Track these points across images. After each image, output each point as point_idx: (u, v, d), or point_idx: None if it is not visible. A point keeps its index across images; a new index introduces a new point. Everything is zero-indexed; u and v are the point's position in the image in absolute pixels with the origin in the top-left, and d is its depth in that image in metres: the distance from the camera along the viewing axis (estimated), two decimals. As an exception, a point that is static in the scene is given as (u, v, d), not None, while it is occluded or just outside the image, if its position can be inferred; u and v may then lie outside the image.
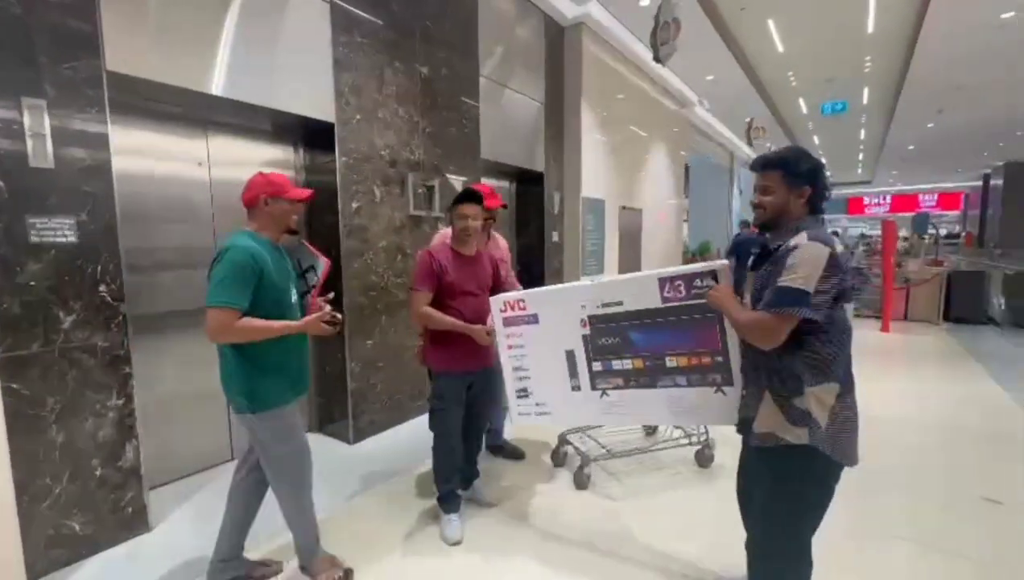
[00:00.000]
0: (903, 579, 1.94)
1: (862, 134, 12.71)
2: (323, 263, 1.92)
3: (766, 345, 1.27)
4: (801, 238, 1.27)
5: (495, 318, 1.87)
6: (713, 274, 1.44)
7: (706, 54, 6.21)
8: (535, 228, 5.06)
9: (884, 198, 26.31)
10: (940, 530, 2.24)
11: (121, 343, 2.08)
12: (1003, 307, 7.36)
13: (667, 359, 1.56)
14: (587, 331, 1.66)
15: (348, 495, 2.56)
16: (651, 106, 7.13)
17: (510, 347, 1.84)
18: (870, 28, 5.91)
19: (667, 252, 8.34)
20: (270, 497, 1.84)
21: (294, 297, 1.78)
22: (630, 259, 6.70)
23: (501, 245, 2.80)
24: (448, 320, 2.04)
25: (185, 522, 2.29)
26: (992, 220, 16.52)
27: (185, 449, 2.70)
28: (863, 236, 19.01)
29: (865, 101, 9.38)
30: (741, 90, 7.97)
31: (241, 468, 1.85)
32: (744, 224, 8.57)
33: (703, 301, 1.44)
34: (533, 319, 1.78)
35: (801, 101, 9.30)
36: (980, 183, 18.87)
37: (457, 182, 3.86)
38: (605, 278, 1.65)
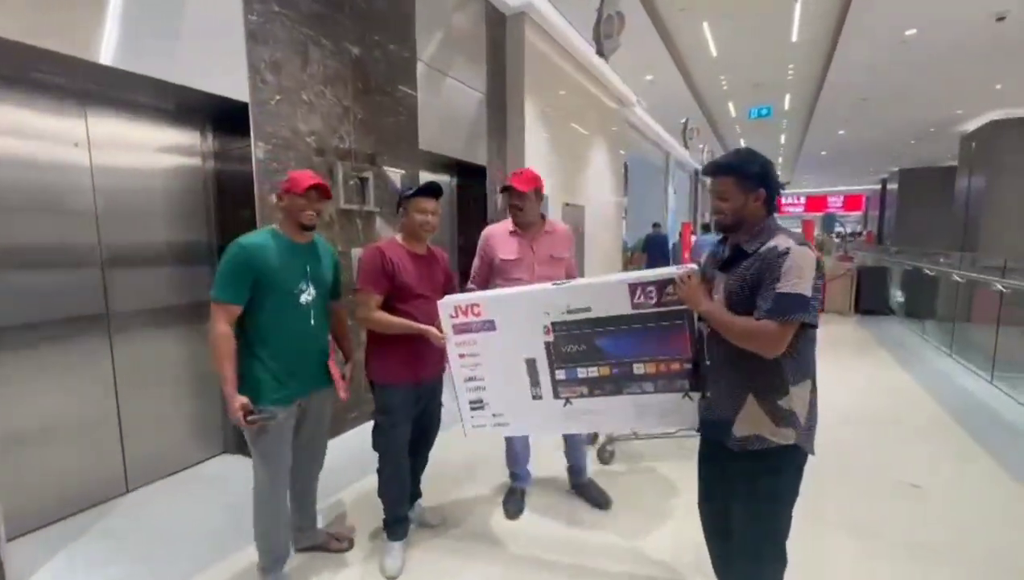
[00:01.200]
0: (837, 565, 1.97)
1: (783, 139, 13.62)
2: None
3: (769, 353, 1.24)
4: (787, 242, 1.25)
5: (444, 324, 1.67)
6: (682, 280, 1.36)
7: (646, 53, 6.30)
8: (477, 225, 4.86)
9: (799, 198, 28.53)
10: (868, 516, 2.32)
11: (-37, 365, 1.67)
12: (900, 299, 8.15)
13: (635, 366, 1.48)
14: (550, 338, 1.53)
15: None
16: (592, 104, 7.14)
17: (462, 356, 1.66)
18: (794, 37, 6.24)
19: (608, 249, 8.45)
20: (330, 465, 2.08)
21: (305, 298, 1.78)
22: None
23: (560, 231, 2.30)
24: (402, 322, 1.83)
25: (55, 577, 1.90)
26: (889, 220, 18.37)
27: (61, 486, 2.27)
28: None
29: (787, 107, 10.00)
30: (677, 91, 8.20)
31: None
32: (655, 225, 9.27)
33: (675, 308, 1.38)
34: (489, 326, 1.60)
35: (731, 105, 9.76)
36: (879, 187, 20.94)
37: (395, 175, 3.59)
38: (569, 282, 1.53)
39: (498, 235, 2.28)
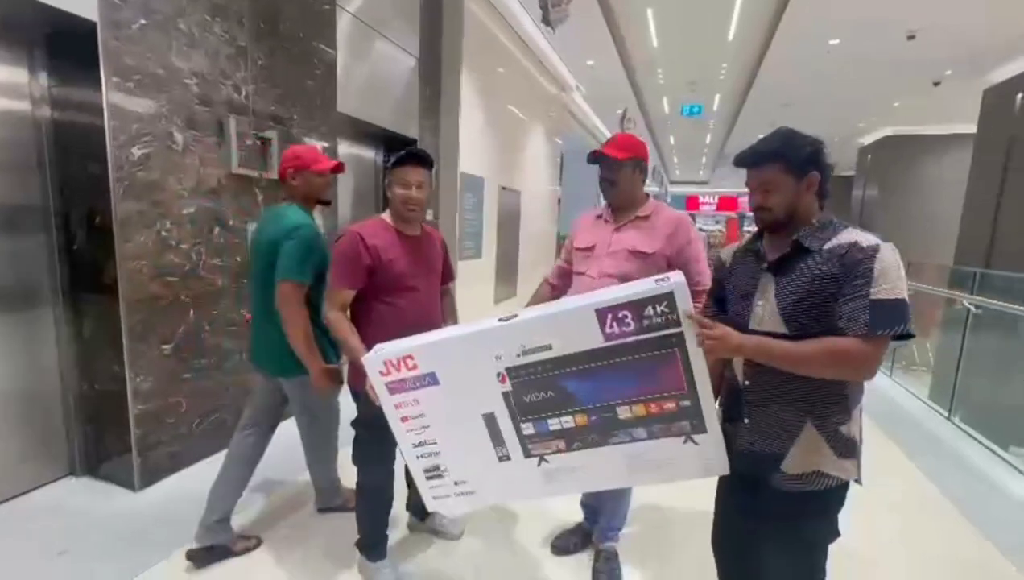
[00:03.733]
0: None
1: (708, 138, 14.21)
2: None
3: (863, 377, 1.03)
4: (869, 237, 1.04)
5: (375, 384, 1.25)
6: (670, 297, 1.03)
7: (589, 36, 6.07)
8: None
9: (713, 198, 30.38)
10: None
11: None
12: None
13: (619, 410, 1.15)
14: (507, 387, 1.17)
15: (137, 572, 1.77)
16: (530, 85, 6.83)
17: (404, 419, 1.27)
18: (731, 35, 6.32)
19: (544, 238, 8.28)
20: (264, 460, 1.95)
21: None
22: (508, 243, 6.40)
23: (663, 218, 1.70)
24: (354, 349, 1.51)
25: None
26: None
27: None
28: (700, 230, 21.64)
29: (715, 107, 10.35)
30: (616, 80, 8.13)
31: (244, 428, 1.91)
32: None
33: (661, 333, 1.05)
34: (430, 380, 1.21)
35: (665, 100, 9.91)
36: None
37: (318, 146, 3.05)
38: (521, 315, 1.16)
39: (585, 217, 1.88)
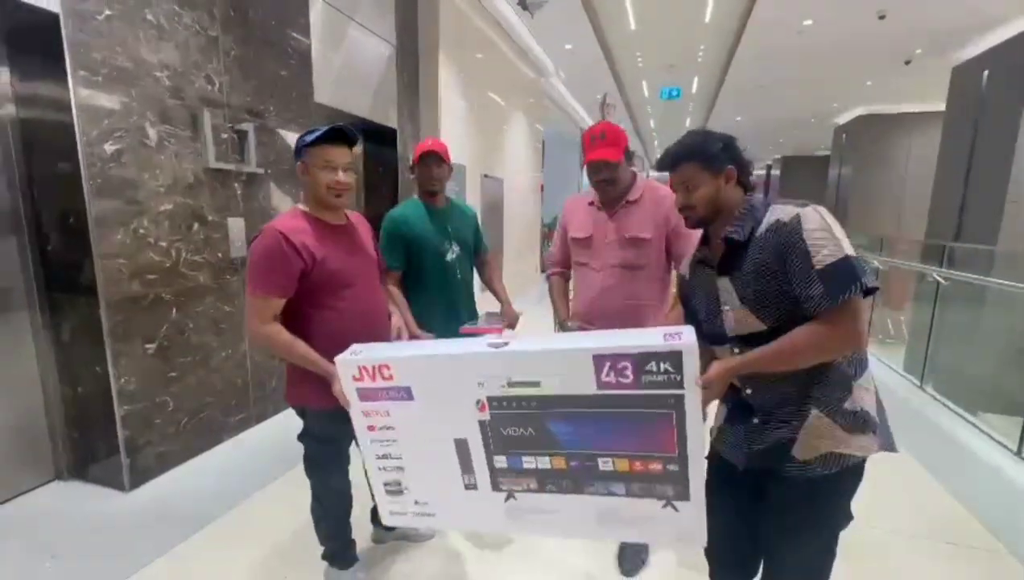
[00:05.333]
0: None
1: (688, 122, 14.26)
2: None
3: (856, 347, 1.03)
4: (788, 210, 1.05)
5: (346, 387, 1.18)
6: (677, 356, 0.94)
7: (567, 19, 6.02)
8: (387, 194, 4.37)
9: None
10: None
11: None
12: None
13: (600, 461, 1.09)
14: (485, 416, 1.10)
15: (130, 572, 1.77)
16: (509, 71, 6.78)
17: (371, 428, 1.21)
18: (708, 17, 6.33)
19: (528, 224, 8.29)
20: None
21: (451, 256, 2.05)
22: (492, 231, 6.39)
23: (654, 197, 1.72)
24: (310, 357, 1.37)
25: None
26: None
27: None
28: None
29: (694, 90, 10.38)
30: (595, 64, 8.07)
31: None
32: None
33: (659, 392, 0.97)
34: (404, 394, 1.14)
35: (644, 84, 9.89)
36: (764, 172, 23.09)
37: (289, 137, 3.00)
38: (512, 344, 1.07)
39: (576, 205, 1.87)
